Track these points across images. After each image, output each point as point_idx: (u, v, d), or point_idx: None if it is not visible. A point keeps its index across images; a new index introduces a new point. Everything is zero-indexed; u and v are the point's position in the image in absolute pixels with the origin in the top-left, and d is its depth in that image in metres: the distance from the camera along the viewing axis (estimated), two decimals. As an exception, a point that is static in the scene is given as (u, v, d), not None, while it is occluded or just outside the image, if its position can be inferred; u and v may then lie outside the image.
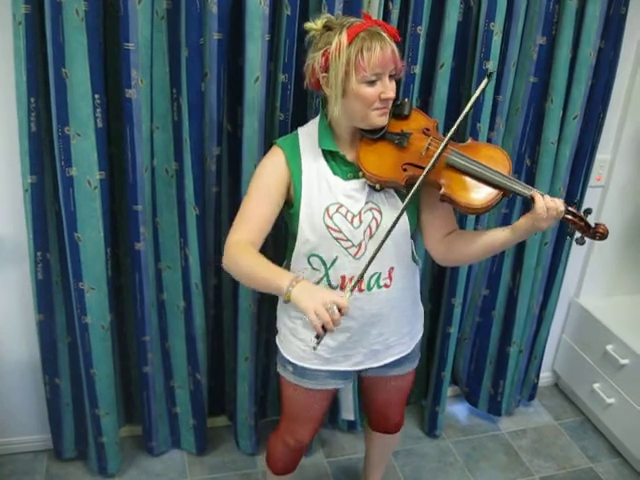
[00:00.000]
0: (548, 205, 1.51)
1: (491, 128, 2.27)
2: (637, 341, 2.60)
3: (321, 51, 1.55)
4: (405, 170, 1.61)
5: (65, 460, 2.45)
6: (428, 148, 1.62)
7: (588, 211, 1.59)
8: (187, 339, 2.30)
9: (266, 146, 2.02)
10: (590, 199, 2.61)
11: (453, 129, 1.59)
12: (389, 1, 1.98)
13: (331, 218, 1.64)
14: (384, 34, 1.52)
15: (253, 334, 2.29)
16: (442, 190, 1.59)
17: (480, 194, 1.59)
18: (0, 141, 1.97)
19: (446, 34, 2.08)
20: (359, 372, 1.91)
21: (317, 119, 1.71)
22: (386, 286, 1.72)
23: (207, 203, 2.13)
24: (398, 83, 1.66)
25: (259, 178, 1.69)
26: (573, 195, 2.47)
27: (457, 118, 1.60)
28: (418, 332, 1.94)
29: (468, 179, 1.60)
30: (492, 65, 2.10)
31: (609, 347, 2.69)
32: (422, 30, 2.05)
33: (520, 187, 1.58)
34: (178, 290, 2.24)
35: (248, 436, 2.51)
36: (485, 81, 1.64)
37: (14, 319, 2.24)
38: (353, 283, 1.51)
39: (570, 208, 1.57)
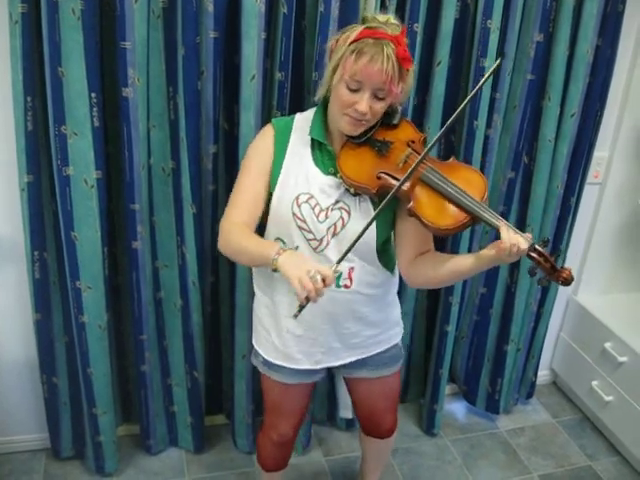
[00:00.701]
0: (511, 241, 1.44)
1: (488, 125, 2.26)
2: (635, 339, 2.60)
3: (337, 36, 1.56)
4: (379, 178, 1.59)
5: (63, 459, 2.45)
6: (406, 160, 1.60)
7: (557, 253, 1.55)
8: (184, 337, 2.30)
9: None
10: (588, 196, 2.62)
11: (433, 142, 1.57)
12: (386, -2, 1.98)
13: (299, 207, 1.64)
14: (389, 51, 1.47)
15: (250, 332, 2.28)
16: (410, 204, 1.57)
17: (447, 215, 1.55)
18: (-3, 140, 1.97)
19: (443, 32, 2.08)
20: (329, 369, 1.90)
21: (315, 107, 1.71)
22: (346, 287, 1.70)
23: (204, 201, 2.13)
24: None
25: (252, 157, 1.71)
26: (571, 192, 2.48)
27: (454, 119, 1.58)
28: (389, 340, 1.89)
29: (438, 198, 1.57)
30: (489, 63, 2.10)
31: (607, 345, 2.69)
32: (419, 28, 2.05)
33: (489, 216, 1.52)
34: (175, 288, 2.24)
35: (245, 434, 2.51)
36: (497, 61, 1.63)
37: (11, 319, 2.24)
38: (340, 256, 1.52)
39: (537, 246, 1.49)
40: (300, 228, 1.65)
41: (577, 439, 2.80)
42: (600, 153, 2.58)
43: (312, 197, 1.63)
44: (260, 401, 2.49)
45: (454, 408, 2.94)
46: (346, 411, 2.53)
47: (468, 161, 2.21)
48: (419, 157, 1.56)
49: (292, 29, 1.92)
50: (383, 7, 1.98)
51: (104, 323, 2.13)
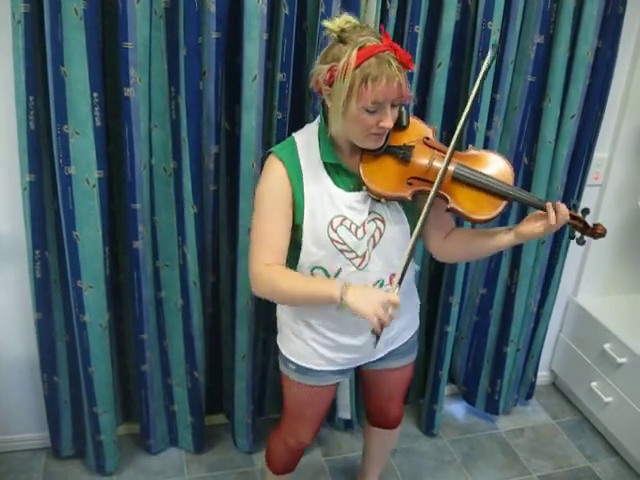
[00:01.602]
0: (561, 215, 1.56)
1: (489, 127, 2.27)
2: (634, 340, 2.60)
3: (328, 66, 1.48)
4: (410, 184, 1.60)
5: (63, 458, 2.46)
6: (432, 162, 1.61)
7: (586, 211, 1.63)
8: (185, 337, 2.31)
9: (264, 145, 2.03)
10: (588, 198, 2.62)
11: (455, 138, 1.57)
12: (387, 0, 1.98)
13: (335, 231, 1.61)
14: (395, 62, 1.45)
15: (251, 332, 2.30)
16: (450, 204, 1.60)
17: (486, 206, 1.61)
18: (-1, 139, 1.98)
19: (444, 33, 2.09)
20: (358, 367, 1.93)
21: (314, 127, 1.66)
22: None
23: (205, 202, 2.13)
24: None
25: (267, 196, 1.63)
26: (571, 194, 2.48)
27: (457, 118, 1.60)
28: (415, 324, 1.95)
29: (474, 191, 1.61)
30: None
31: (607, 346, 2.69)
32: (420, 29, 2.05)
33: (527, 196, 1.63)
34: (176, 288, 2.24)
35: (245, 434, 2.52)
36: (490, 54, 1.64)
37: (12, 317, 2.24)
38: (398, 278, 1.53)
39: (571, 212, 1.61)
40: (342, 251, 1.63)
41: (576, 440, 2.80)
42: (600, 154, 2.58)
43: (345, 218, 1.62)
44: (260, 401, 2.51)
45: (454, 409, 2.95)
46: (345, 412, 2.54)
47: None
48: (446, 157, 1.57)
49: (294, 30, 1.93)
50: (384, 9, 1.99)
51: (105, 322, 2.14)
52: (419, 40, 2.07)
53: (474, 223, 1.68)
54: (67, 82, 1.80)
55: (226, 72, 1.99)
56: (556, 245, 2.59)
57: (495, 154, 1.71)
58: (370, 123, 1.51)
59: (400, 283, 1.54)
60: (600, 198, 2.70)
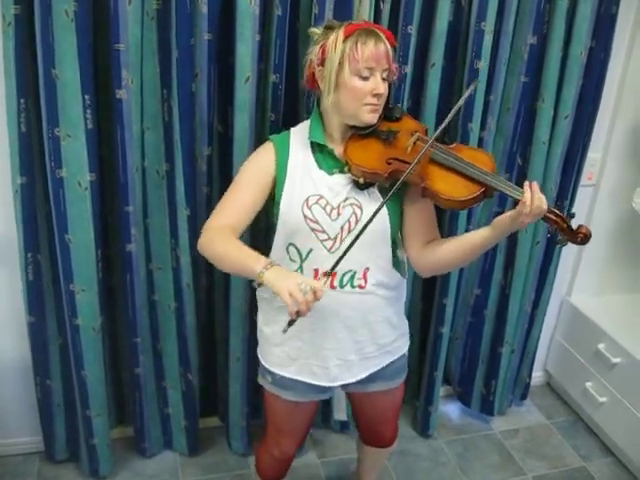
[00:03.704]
0: (534, 198, 1.47)
1: (482, 127, 2.27)
2: (629, 340, 2.60)
3: (319, 45, 1.60)
4: (389, 164, 1.62)
5: (57, 462, 2.44)
6: (415, 143, 1.64)
7: (571, 215, 1.57)
8: (179, 340, 2.30)
9: (257, 146, 2.01)
10: (581, 198, 2.62)
11: (441, 128, 1.60)
12: (380, 0, 1.98)
13: (310, 208, 1.63)
14: (382, 36, 1.56)
15: (245, 334, 2.29)
16: (424, 183, 1.60)
17: (460, 188, 1.60)
18: (-11, 142, 1.96)
19: (437, 33, 2.08)
20: (339, 387, 1.86)
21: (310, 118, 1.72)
22: (360, 287, 1.68)
23: (198, 204, 2.12)
24: (390, 86, 1.67)
25: (246, 169, 1.71)
26: (565, 194, 2.48)
27: (447, 118, 1.61)
28: (399, 349, 1.88)
29: (451, 174, 1.62)
30: (483, 65, 2.11)
31: (601, 346, 2.69)
32: (413, 29, 2.05)
33: (503, 184, 1.56)
34: (169, 291, 2.23)
35: (240, 437, 2.51)
36: (472, 86, 1.68)
37: (5, 321, 2.23)
38: (330, 269, 1.49)
39: (553, 208, 1.54)
40: (313, 230, 1.63)
41: (571, 440, 2.81)
42: (593, 154, 2.58)
43: (322, 197, 1.63)
44: (255, 403, 2.50)
45: (449, 410, 2.94)
46: (341, 413, 2.53)
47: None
48: (428, 140, 1.60)
49: (286, 31, 1.92)
50: (377, 9, 1.99)
51: (98, 326, 2.13)
52: (412, 40, 2.07)
53: (449, 207, 1.65)
54: (58, 84, 1.79)
55: (219, 73, 1.98)
56: (550, 245, 2.59)
57: (479, 148, 1.72)
58: (363, 91, 1.57)
59: (330, 273, 1.50)
60: (594, 198, 2.71)
